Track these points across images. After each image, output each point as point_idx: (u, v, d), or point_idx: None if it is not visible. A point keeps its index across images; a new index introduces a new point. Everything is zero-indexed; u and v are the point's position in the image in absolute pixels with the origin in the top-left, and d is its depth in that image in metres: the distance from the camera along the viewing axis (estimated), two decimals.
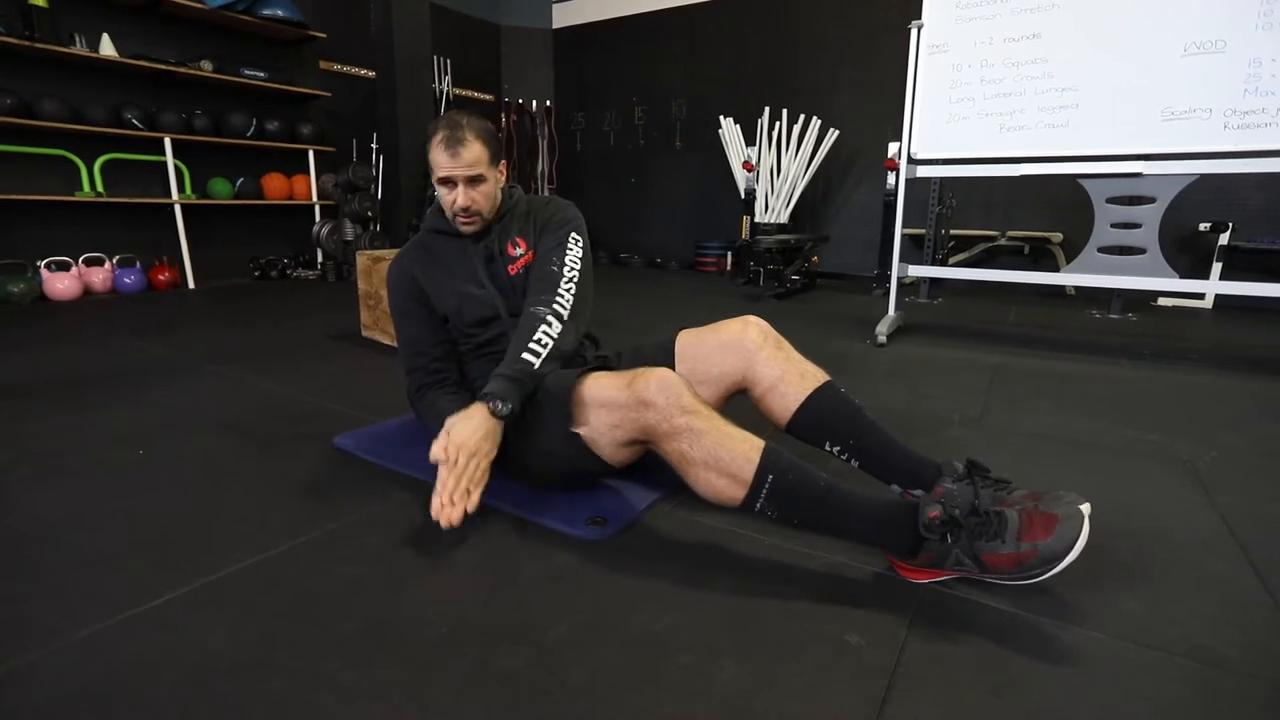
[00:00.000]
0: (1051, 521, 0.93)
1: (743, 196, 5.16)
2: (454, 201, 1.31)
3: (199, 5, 4.14)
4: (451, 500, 1.07)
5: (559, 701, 0.77)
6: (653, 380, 1.07)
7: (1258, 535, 1.19)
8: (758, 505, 1.03)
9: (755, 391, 1.28)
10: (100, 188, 4.02)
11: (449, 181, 1.29)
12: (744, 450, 1.02)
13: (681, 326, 1.42)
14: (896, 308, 3.07)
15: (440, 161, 1.28)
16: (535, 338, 1.22)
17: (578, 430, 1.17)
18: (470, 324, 1.38)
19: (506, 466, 1.33)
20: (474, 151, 1.27)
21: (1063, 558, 0.91)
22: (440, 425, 1.15)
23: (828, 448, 1.24)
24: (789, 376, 1.24)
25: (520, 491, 1.30)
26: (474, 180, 1.30)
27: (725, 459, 1.02)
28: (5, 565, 1.05)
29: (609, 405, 1.12)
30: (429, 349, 1.39)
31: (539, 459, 1.26)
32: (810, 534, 1.15)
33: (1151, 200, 2.63)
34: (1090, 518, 0.94)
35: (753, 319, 1.31)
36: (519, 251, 1.41)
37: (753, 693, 0.79)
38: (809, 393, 1.23)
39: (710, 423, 1.05)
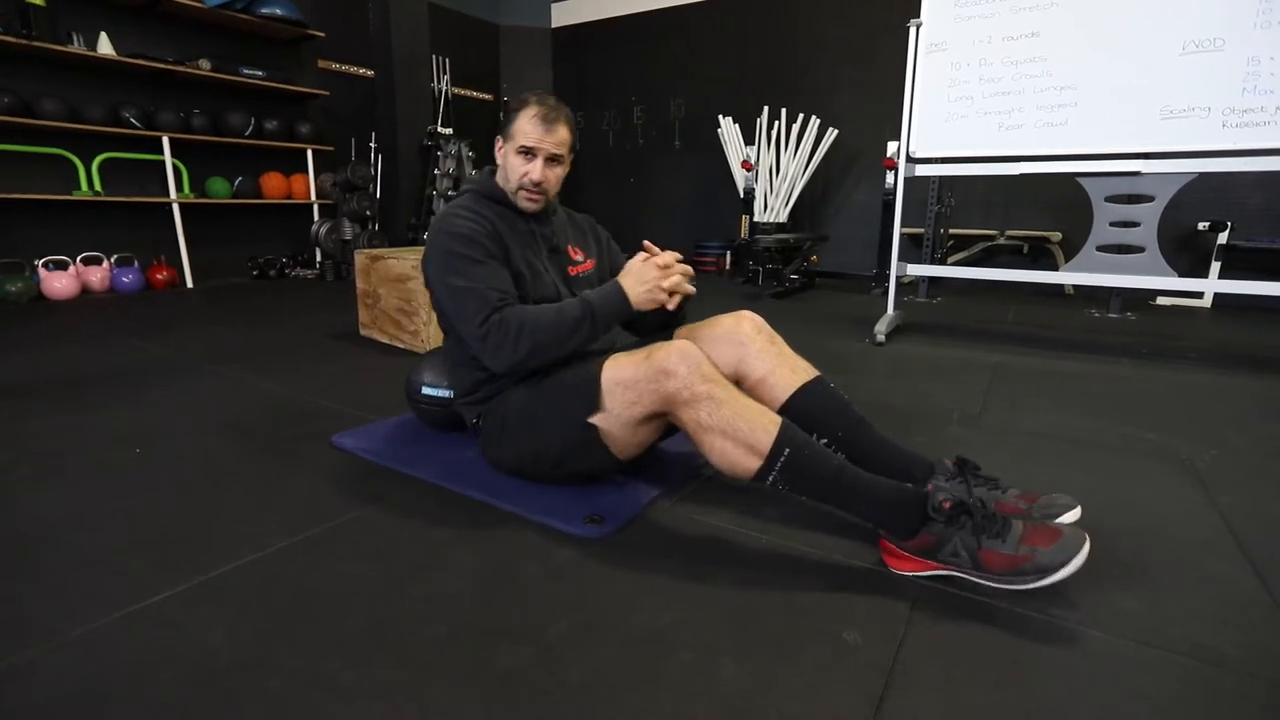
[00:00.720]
0: (1054, 535, 0.94)
1: (742, 196, 5.16)
2: (526, 174, 1.31)
3: (197, 4, 4.13)
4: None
5: (559, 700, 0.77)
6: (673, 351, 1.10)
7: (1257, 534, 1.20)
8: (771, 477, 1.04)
9: (746, 383, 1.29)
10: (98, 187, 4.02)
11: (530, 152, 1.31)
12: (762, 423, 1.05)
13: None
14: (895, 307, 3.07)
15: (529, 131, 1.29)
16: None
17: (594, 420, 1.17)
18: (534, 299, 1.32)
19: (507, 465, 1.34)
20: (564, 133, 1.32)
21: (1057, 570, 0.91)
22: (555, 317, 1.21)
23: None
24: (780, 370, 1.26)
25: (519, 490, 1.30)
26: (554, 160, 1.34)
27: (744, 429, 1.04)
28: (5, 564, 1.05)
29: (626, 382, 1.13)
30: (509, 295, 1.25)
31: (547, 452, 1.26)
32: (816, 505, 1.15)
33: (1150, 199, 2.63)
34: (1087, 531, 0.94)
35: (747, 314, 1.33)
36: (579, 258, 1.47)
37: (753, 691, 0.79)
38: (798, 386, 1.25)
39: (729, 393, 1.07)
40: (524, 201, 1.35)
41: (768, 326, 1.32)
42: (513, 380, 1.30)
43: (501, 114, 1.30)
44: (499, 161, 1.36)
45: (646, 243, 1.31)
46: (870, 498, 1.03)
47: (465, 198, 1.37)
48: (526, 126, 1.29)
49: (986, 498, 1.11)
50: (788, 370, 1.26)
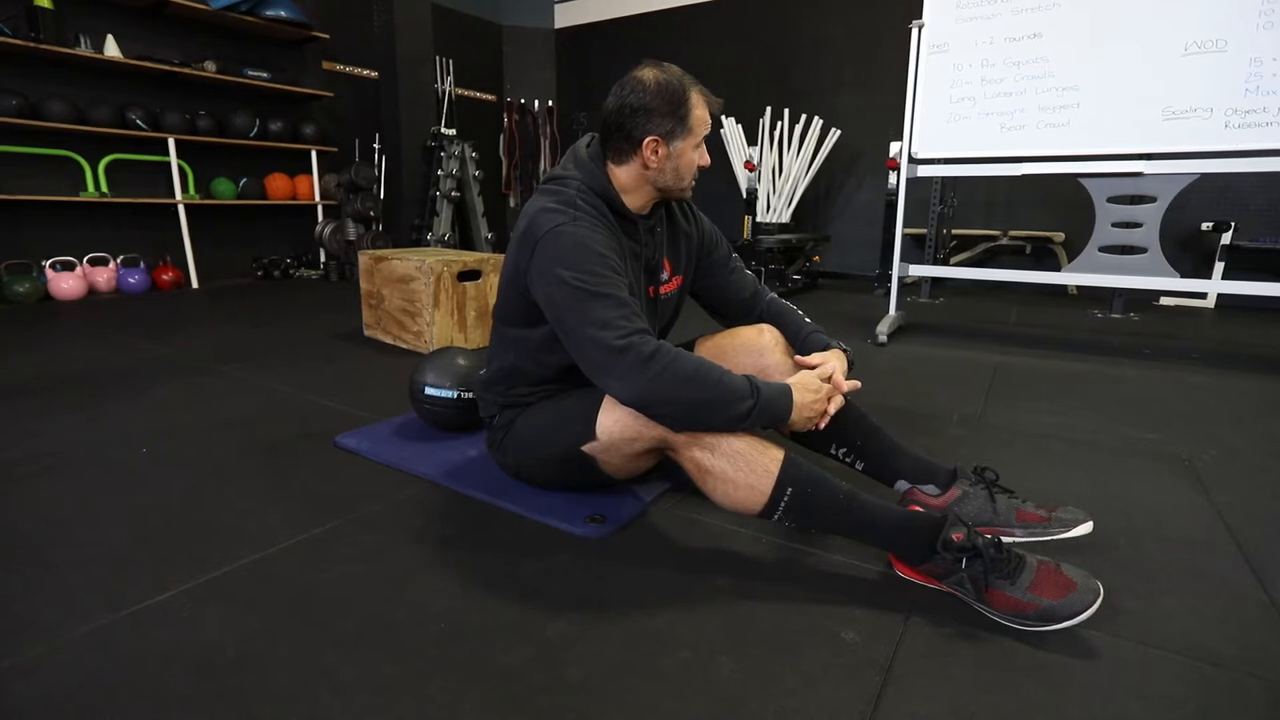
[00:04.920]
0: (1067, 588, 0.91)
1: (744, 196, 5.16)
2: (694, 163, 1.19)
3: (202, 6, 4.15)
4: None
5: (557, 697, 0.78)
6: None
7: (1256, 534, 1.20)
8: (776, 515, 1.03)
9: None
10: (105, 188, 4.04)
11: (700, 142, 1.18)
12: (763, 462, 1.02)
13: (690, 328, 1.43)
14: (898, 307, 3.07)
15: (707, 119, 1.17)
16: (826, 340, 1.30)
17: (587, 448, 1.15)
18: None
19: (510, 469, 1.34)
20: None
21: (1061, 621, 0.89)
22: (734, 381, 1.03)
23: (833, 451, 1.25)
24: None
25: (520, 489, 1.31)
26: None
27: (743, 470, 1.02)
28: (11, 562, 1.06)
29: (624, 421, 1.09)
30: (640, 312, 1.10)
31: (544, 465, 1.25)
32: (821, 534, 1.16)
33: (1152, 200, 2.63)
34: (1100, 591, 0.90)
35: (766, 326, 1.32)
36: (667, 274, 1.30)
37: (750, 689, 0.80)
38: None
39: (727, 433, 1.04)
40: (687, 192, 1.24)
41: (784, 339, 1.31)
42: (540, 395, 1.25)
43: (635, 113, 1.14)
44: (653, 164, 1.16)
45: (803, 359, 1.23)
46: (880, 529, 1.01)
47: (582, 192, 1.16)
48: (706, 115, 1.16)
49: (1006, 509, 1.12)
50: None
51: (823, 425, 1.13)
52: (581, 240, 1.09)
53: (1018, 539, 1.10)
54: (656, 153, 1.15)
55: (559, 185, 1.19)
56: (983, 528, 1.09)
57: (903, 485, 1.22)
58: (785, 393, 1.06)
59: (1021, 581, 0.92)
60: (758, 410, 1.03)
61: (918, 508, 1.16)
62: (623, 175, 1.19)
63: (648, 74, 1.14)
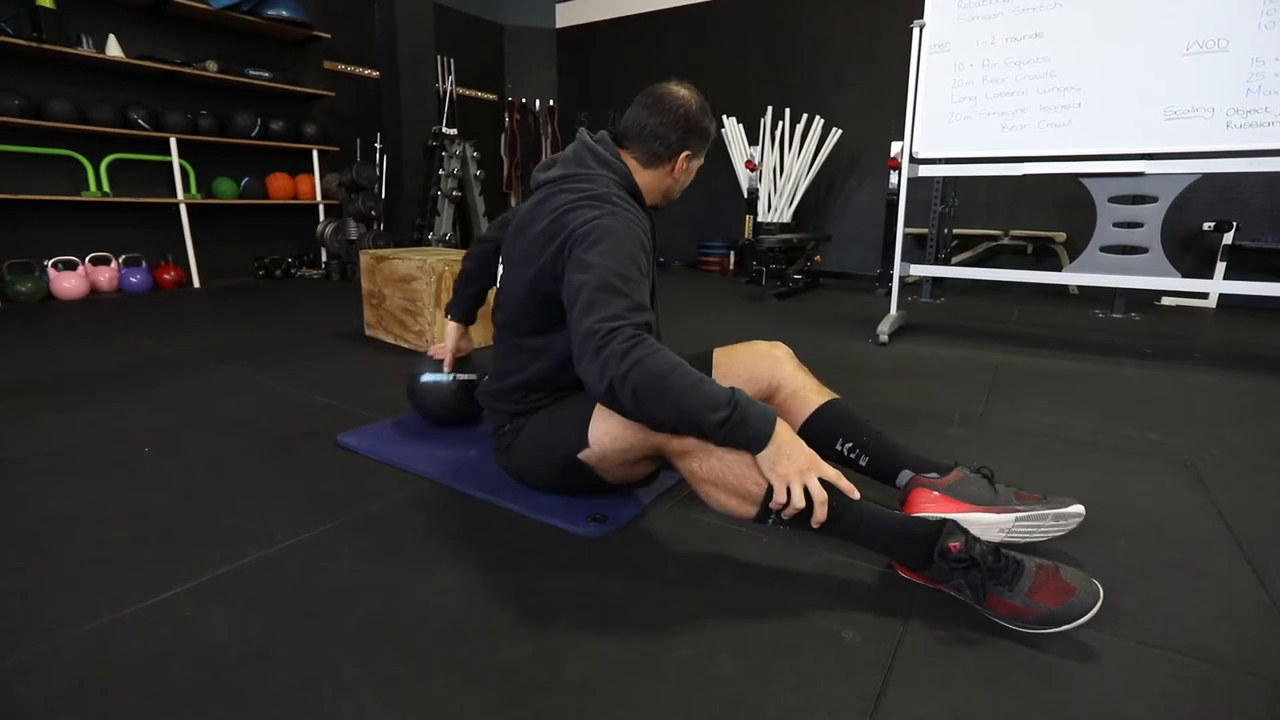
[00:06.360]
0: (1066, 593, 0.90)
1: (745, 196, 5.16)
2: (692, 178, 1.34)
3: (204, 6, 4.16)
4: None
5: (558, 696, 0.78)
6: None
7: (1256, 534, 1.20)
8: (770, 520, 1.03)
9: (779, 395, 1.31)
10: (106, 187, 4.05)
11: None
12: (754, 474, 1.01)
13: (687, 330, 1.44)
14: (899, 307, 3.07)
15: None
16: None
17: (583, 456, 1.16)
18: None
19: (512, 474, 1.34)
20: None
21: (1061, 624, 0.89)
22: (694, 383, 0.98)
23: (839, 446, 1.26)
24: (810, 386, 1.31)
25: (520, 488, 1.31)
26: None
27: (734, 477, 1.02)
28: (16, 560, 1.07)
29: (615, 433, 1.11)
30: (652, 324, 1.09)
31: (541, 473, 1.27)
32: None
33: (1154, 200, 2.63)
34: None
35: (779, 343, 1.37)
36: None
37: (750, 688, 0.80)
38: (825, 401, 1.28)
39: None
40: (672, 201, 1.37)
41: (796, 357, 1.36)
42: (556, 398, 1.26)
43: (676, 128, 1.24)
44: (675, 174, 1.28)
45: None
46: (876, 536, 1.01)
47: (620, 190, 1.19)
48: (712, 133, 1.32)
49: (1006, 496, 1.13)
50: (816, 388, 1.30)
51: (785, 514, 1.00)
52: (618, 231, 1.09)
53: (1019, 513, 1.11)
54: (682, 165, 1.27)
55: (584, 183, 1.18)
56: (985, 507, 1.11)
57: (906, 475, 1.22)
58: (769, 416, 0.99)
59: (1020, 588, 0.91)
60: (733, 417, 0.97)
61: (922, 490, 1.16)
62: (646, 177, 1.27)
63: (689, 95, 1.25)
